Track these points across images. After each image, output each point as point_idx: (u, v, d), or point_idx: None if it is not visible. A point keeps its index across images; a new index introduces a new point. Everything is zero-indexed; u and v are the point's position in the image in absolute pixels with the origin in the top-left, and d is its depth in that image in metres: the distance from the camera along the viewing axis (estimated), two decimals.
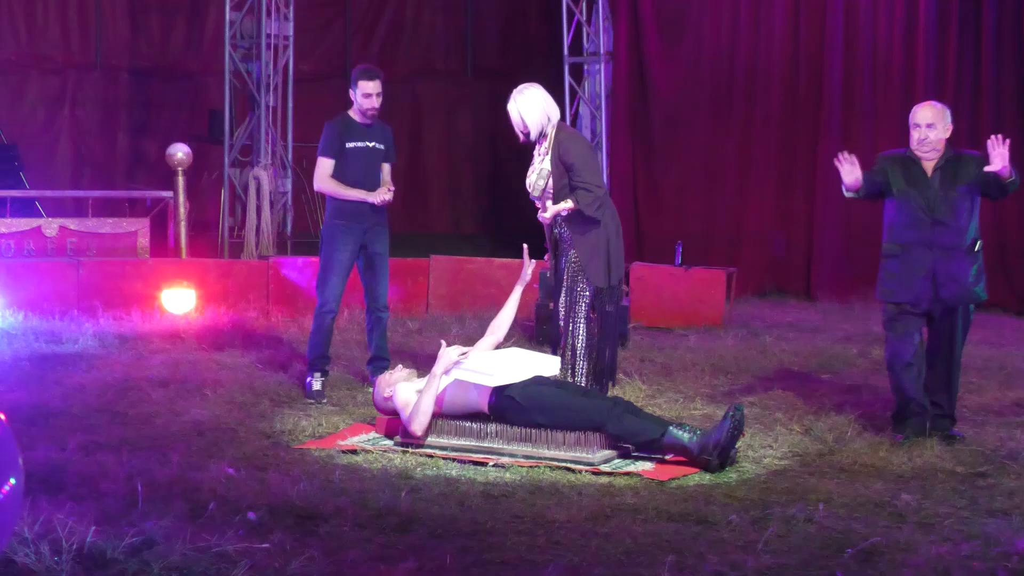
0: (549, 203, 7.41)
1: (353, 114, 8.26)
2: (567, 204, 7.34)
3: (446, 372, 6.87)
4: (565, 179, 7.37)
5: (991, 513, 5.73)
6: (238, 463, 6.28)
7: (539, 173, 7.44)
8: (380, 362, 8.36)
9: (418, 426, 6.79)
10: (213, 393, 7.96)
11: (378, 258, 8.32)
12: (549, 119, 7.46)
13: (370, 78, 8.17)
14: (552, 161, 7.40)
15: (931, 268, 7.02)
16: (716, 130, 14.16)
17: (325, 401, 8.01)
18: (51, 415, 7.30)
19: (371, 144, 8.26)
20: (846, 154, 7.16)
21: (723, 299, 11.47)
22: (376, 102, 8.18)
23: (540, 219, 7.51)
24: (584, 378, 7.39)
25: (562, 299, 7.47)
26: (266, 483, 5.89)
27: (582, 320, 7.40)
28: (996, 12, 12.64)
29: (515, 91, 7.55)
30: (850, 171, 7.11)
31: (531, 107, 7.45)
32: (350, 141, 8.20)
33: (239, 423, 7.27)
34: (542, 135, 7.46)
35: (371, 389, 7.73)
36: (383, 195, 8.19)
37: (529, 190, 7.55)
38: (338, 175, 8.21)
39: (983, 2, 12.70)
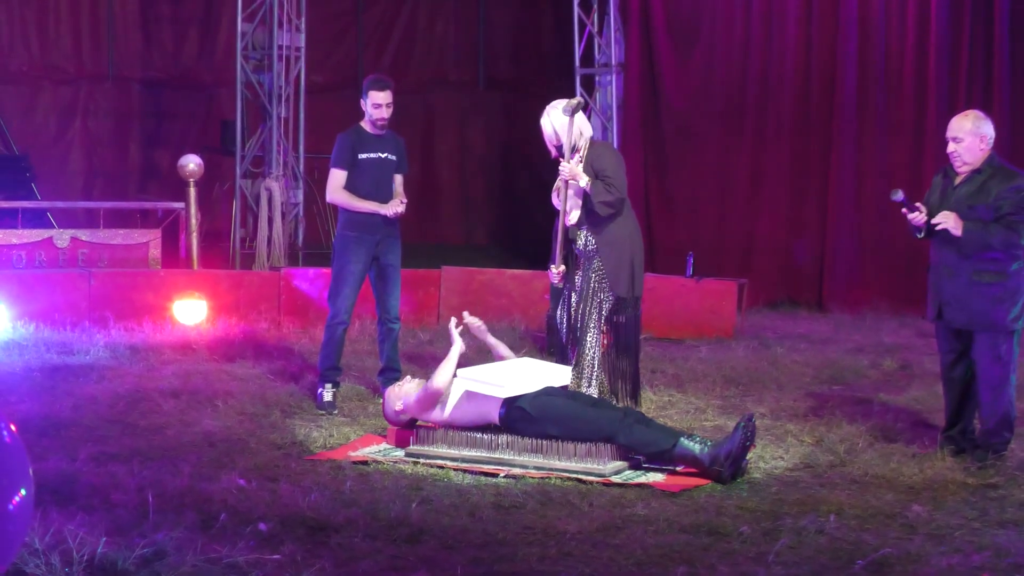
0: (574, 162, 7.41)
1: (365, 125, 8.27)
2: (585, 180, 7.35)
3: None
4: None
5: (1002, 524, 5.72)
6: (249, 474, 6.27)
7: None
8: (391, 373, 8.35)
9: (441, 380, 6.85)
10: (224, 404, 7.94)
11: (390, 269, 8.31)
12: (582, 133, 7.49)
13: (381, 88, 8.17)
14: (585, 171, 7.43)
15: (940, 287, 6.86)
16: (728, 141, 14.12)
17: (336, 412, 8.00)
18: (62, 426, 7.30)
19: (383, 155, 8.26)
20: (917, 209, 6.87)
21: (734, 310, 11.43)
22: (386, 112, 8.18)
23: (561, 172, 7.46)
24: (597, 389, 7.39)
25: (576, 309, 7.46)
26: (277, 494, 5.89)
27: (595, 330, 7.41)
28: (1009, 21, 12.55)
29: (548, 106, 7.58)
30: (917, 216, 6.87)
31: (564, 121, 7.45)
32: (362, 152, 8.20)
33: (250, 434, 7.26)
34: (574, 150, 7.47)
35: (382, 400, 7.72)
36: (395, 207, 8.19)
37: (554, 195, 7.57)
38: (350, 186, 8.21)
39: (994, 11, 12.63)
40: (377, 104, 8.15)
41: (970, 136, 6.76)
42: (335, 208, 8.52)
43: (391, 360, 8.41)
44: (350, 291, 8.22)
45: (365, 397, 8.48)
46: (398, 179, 8.38)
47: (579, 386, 7.39)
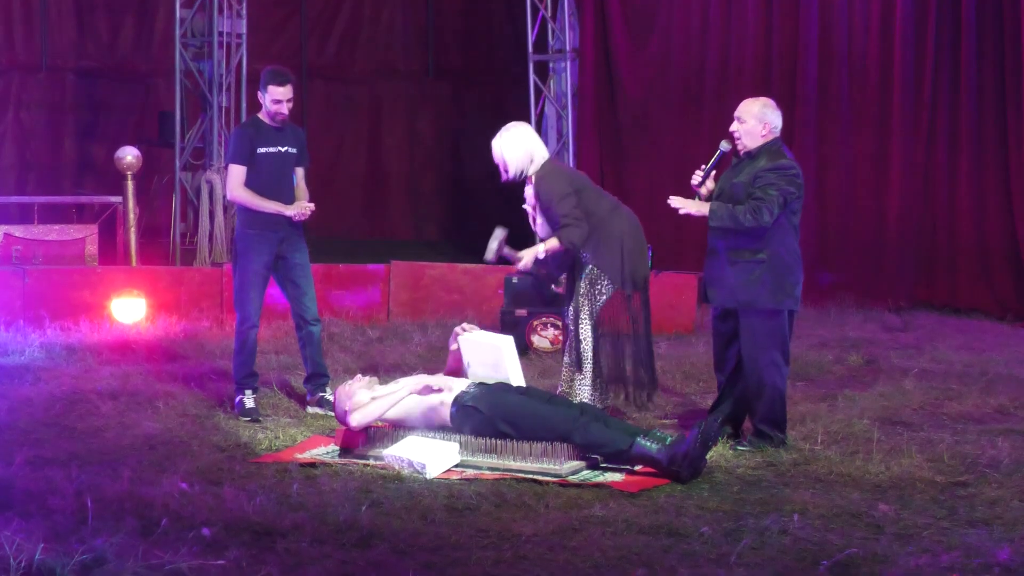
0: (526, 251, 7.42)
1: (263, 116, 8.00)
2: (550, 243, 7.37)
3: (416, 392, 6.75)
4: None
5: (971, 523, 5.69)
6: (191, 477, 6.17)
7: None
8: (320, 379, 8.08)
9: (358, 417, 6.67)
10: (165, 405, 7.83)
11: (299, 269, 8.01)
12: (532, 160, 7.43)
13: (281, 83, 7.84)
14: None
15: (706, 269, 7.18)
16: (686, 131, 13.97)
17: (259, 418, 7.75)
18: None
19: (283, 149, 7.96)
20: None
21: (694, 305, 11.36)
22: (286, 109, 7.87)
23: (519, 268, 7.54)
24: (590, 381, 7.38)
25: (576, 302, 7.45)
26: (221, 498, 5.79)
27: (589, 322, 7.40)
28: (976, 4, 12.43)
29: (503, 128, 7.51)
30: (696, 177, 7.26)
31: (514, 147, 7.43)
32: (261, 147, 7.90)
33: (192, 436, 7.16)
34: (527, 177, 7.44)
35: (316, 409, 7.89)
36: (300, 209, 7.90)
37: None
38: (250, 182, 7.91)
39: None
40: (277, 100, 7.84)
41: (754, 120, 6.99)
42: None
43: (317, 366, 8.11)
44: (256, 293, 7.93)
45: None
46: (299, 172, 8.09)
47: (572, 375, 7.43)
